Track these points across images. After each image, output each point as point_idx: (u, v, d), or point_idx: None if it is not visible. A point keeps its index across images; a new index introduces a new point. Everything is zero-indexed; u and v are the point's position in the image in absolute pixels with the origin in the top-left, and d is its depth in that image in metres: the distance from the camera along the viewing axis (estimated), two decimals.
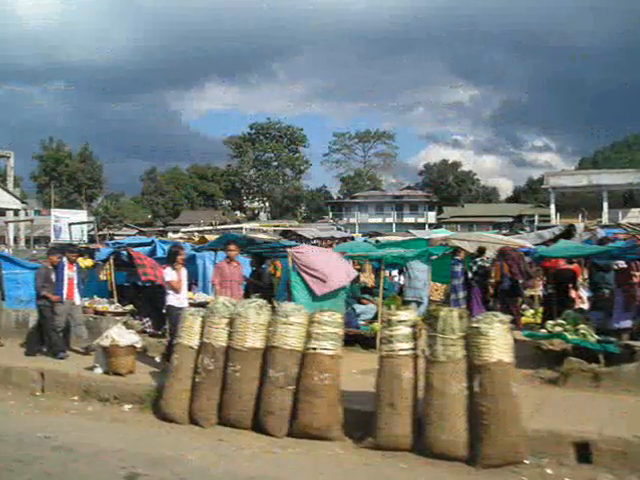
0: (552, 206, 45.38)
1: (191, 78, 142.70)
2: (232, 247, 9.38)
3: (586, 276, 12.68)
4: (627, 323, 8.83)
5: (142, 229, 51.61)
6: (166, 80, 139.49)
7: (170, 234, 39.48)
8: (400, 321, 6.01)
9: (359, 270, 14.10)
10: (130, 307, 11.50)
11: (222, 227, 40.88)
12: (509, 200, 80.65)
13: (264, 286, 10.91)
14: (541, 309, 12.04)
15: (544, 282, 12.71)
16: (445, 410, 5.61)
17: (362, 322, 10.61)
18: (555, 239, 15.59)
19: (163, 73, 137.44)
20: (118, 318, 10.64)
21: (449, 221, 64.89)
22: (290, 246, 10.61)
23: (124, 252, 12.45)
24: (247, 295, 9.60)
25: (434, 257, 12.34)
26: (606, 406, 6.45)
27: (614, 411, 6.28)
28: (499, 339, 5.58)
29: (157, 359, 8.77)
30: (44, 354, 9.39)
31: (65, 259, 9.76)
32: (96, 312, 11.13)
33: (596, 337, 8.13)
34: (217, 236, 16.36)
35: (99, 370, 8.16)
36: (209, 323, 6.84)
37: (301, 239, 27.14)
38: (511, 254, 11.92)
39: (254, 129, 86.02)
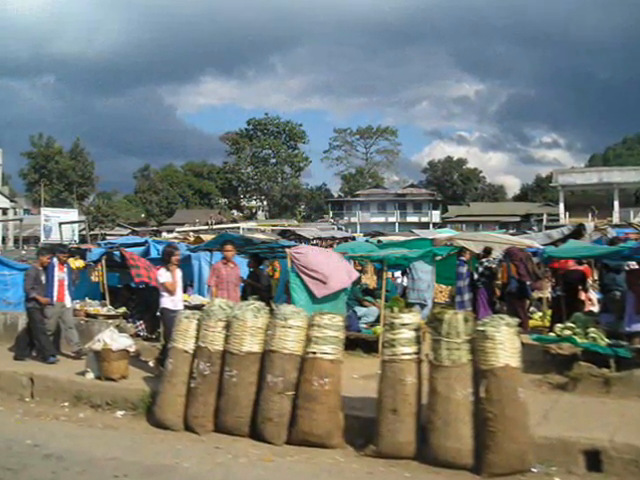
0: (561, 205, 45.39)
1: (186, 72, 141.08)
2: (229, 247, 9.37)
3: (596, 277, 12.60)
4: (639, 326, 8.73)
5: (135, 229, 51.73)
6: (160, 74, 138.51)
7: (164, 234, 39.63)
8: (403, 324, 5.94)
9: (360, 271, 14.07)
10: (123, 310, 11.43)
11: (218, 227, 40.75)
12: (516, 199, 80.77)
13: (262, 288, 10.89)
14: (549, 312, 11.93)
15: (553, 284, 12.58)
16: (450, 416, 5.53)
17: (364, 325, 10.52)
18: (564, 239, 15.52)
19: (157, 66, 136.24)
20: (110, 321, 10.53)
21: (454, 220, 65.02)
22: (289, 246, 10.53)
23: (117, 252, 12.36)
24: (244, 297, 9.54)
25: (438, 258, 12.24)
26: (617, 412, 6.36)
27: (625, 417, 6.18)
28: (506, 343, 5.52)
29: (151, 364, 8.67)
30: (34, 358, 9.25)
31: (55, 260, 9.63)
32: (88, 315, 11.04)
33: (607, 341, 8.07)
34: (213, 236, 16.28)
35: (91, 375, 8.06)
36: (205, 326, 6.76)
37: (300, 239, 27.24)
38: (518, 255, 11.78)
39: (252, 125, 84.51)
